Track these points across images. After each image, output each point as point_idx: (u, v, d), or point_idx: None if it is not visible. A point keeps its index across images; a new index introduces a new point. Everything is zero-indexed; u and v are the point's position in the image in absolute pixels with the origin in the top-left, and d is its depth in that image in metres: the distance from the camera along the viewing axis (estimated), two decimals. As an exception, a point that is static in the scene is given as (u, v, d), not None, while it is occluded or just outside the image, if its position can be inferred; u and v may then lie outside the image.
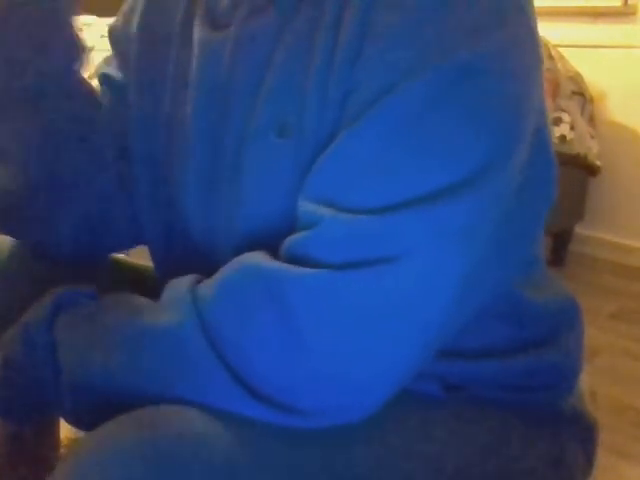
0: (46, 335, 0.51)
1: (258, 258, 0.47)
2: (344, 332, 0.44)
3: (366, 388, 0.46)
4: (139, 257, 0.76)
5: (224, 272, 0.48)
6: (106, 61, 0.71)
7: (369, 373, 0.45)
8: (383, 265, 0.44)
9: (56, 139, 0.63)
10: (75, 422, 0.52)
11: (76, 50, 0.64)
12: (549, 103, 2.12)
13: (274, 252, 0.48)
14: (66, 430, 0.79)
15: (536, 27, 0.51)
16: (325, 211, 0.46)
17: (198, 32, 0.59)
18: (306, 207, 0.47)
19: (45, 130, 0.62)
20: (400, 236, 0.44)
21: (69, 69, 0.64)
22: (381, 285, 0.44)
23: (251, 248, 0.49)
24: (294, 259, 0.46)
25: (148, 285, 0.63)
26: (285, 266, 0.45)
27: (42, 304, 0.53)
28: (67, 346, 0.50)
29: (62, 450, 0.78)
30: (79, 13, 0.64)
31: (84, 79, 0.66)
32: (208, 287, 0.48)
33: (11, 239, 0.69)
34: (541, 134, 0.53)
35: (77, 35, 0.64)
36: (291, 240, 0.47)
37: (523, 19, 0.49)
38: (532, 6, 0.51)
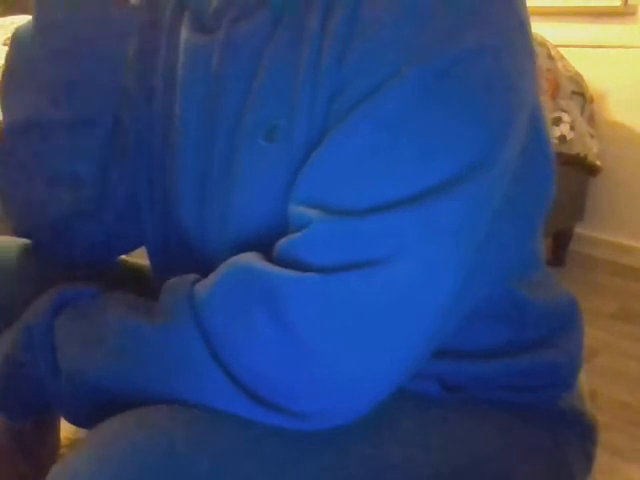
0: (46, 334, 0.51)
1: (252, 259, 0.47)
2: (337, 335, 0.44)
3: (361, 389, 0.46)
4: (139, 257, 0.76)
5: (219, 273, 0.48)
6: None
7: (364, 374, 0.45)
8: (373, 267, 0.43)
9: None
10: (74, 420, 0.52)
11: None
12: (549, 103, 2.11)
13: (267, 254, 0.48)
14: (66, 430, 0.79)
15: (528, 22, 0.51)
16: (313, 213, 0.45)
17: (185, 35, 0.59)
18: (296, 210, 0.47)
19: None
20: (390, 237, 0.44)
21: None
22: (372, 286, 0.43)
23: (244, 249, 0.49)
24: (285, 262, 0.45)
25: (148, 285, 0.63)
26: (277, 269, 0.45)
27: (42, 303, 0.53)
28: (66, 346, 0.50)
29: (62, 450, 0.78)
30: None
31: None
32: (204, 288, 0.48)
33: (11, 238, 0.69)
34: (536, 129, 0.53)
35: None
36: (281, 243, 0.47)
37: (512, 14, 0.49)
38: (523, 2, 0.51)
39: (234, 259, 0.48)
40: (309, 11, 0.50)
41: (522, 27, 0.50)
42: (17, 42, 0.63)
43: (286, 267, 0.45)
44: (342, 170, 0.45)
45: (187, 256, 0.61)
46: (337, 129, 0.46)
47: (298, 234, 0.46)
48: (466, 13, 0.46)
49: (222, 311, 0.46)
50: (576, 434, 0.62)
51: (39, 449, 0.73)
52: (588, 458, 0.64)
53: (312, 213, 0.45)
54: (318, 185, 0.46)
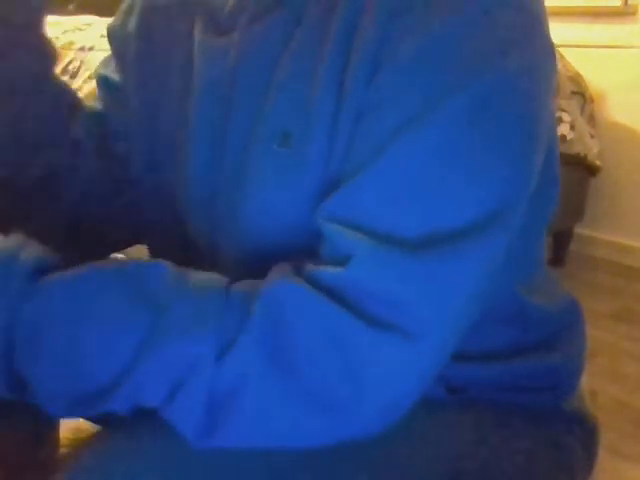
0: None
1: (309, 292, 0.43)
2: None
3: (396, 410, 0.45)
4: (139, 257, 0.76)
5: (268, 295, 0.43)
6: (104, 62, 0.70)
7: (399, 398, 0.45)
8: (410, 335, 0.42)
9: (25, 140, 0.62)
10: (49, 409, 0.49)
11: (45, 51, 0.63)
12: (549, 103, 2.11)
13: (278, 258, 0.47)
14: (66, 430, 0.79)
15: (553, 49, 0.50)
16: (359, 238, 0.43)
17: (199, 37, 0.58)
18: (334, 228, 0.45)
19: (14, 130, 0.61)
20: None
21: (39, 70, 0.63)
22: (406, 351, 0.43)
23: (254, 255, 0.48)
24: (331, 293, 0.43)
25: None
26: (345, 314, 0.42)
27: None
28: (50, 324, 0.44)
29: (62, 450, 0.78)
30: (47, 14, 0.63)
31: (56, 77, 0.65)
32: (253, 313, 0.43)
33: None
34: (550, 149, 0.53)
35: (45, 36, 0.63)
36: (324, 270, 0.44)
37: (540, 42, 0.48)
38: (547, 27, 0.49)
39: (283, 285, 0.44)
40: (330, 20, 0.49)
41: (549, 55, 0.49)
42: None
43: (333, 299, 0.42)
44: (389, 195, 0.44)
45: (193, 257, 0.60)
46: (383, 154, 0.44)
47: (345, 267, 0.43)
48: (501, 37, 0.45)
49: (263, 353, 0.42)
50: (577, 435, 0.62)
51: (39, 450, 0.73)
52: (589, 459, 0.64)
53: (357, 237, 0.43)
54: (359, 206, 0.45)
